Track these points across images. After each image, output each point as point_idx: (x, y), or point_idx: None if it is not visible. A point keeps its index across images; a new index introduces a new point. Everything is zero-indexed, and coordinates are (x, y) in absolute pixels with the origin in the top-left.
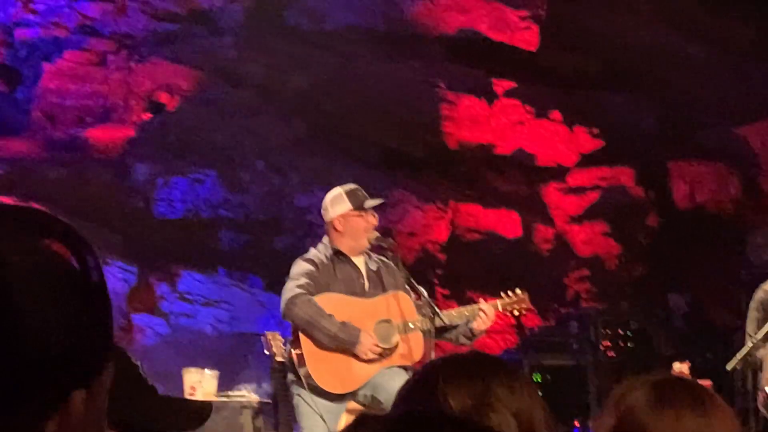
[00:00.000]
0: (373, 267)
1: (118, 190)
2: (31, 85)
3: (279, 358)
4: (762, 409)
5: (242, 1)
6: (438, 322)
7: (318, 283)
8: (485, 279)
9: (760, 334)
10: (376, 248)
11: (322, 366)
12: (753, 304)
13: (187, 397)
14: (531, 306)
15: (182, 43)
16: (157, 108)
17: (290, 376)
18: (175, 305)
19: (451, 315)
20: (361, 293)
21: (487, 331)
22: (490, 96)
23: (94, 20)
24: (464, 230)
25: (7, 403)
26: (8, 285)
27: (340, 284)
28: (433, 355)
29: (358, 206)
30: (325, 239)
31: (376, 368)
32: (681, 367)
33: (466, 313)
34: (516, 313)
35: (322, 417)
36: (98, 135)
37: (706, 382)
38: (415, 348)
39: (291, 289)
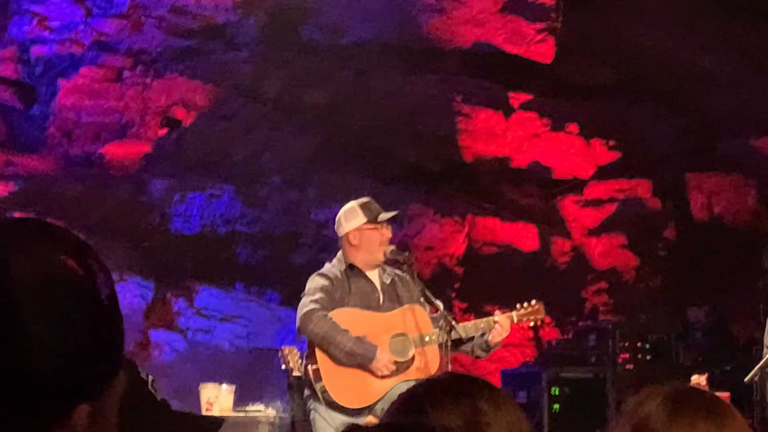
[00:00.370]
0: (387, 280)
1: (134, 205)
2: (47, 102)
3: (296, 373)
4: None
5: (258, 16)
6: (454, 335)
7: (333, 299)
8: (503, 292)
9: None
10: (391, 262)
11: (338, 381)
12: None
13: (204, 412)
14: (546, 317)
15: (198, 58)
16: (173, 124)
17: (307, 391)
18: (192, 321)
19: (467, 327)
20: (377, 307)
21: (505, 344)
22: (507, 109)
23: (110, 36)
24: (481, 244)
25: (8, 416)
26: (15, 297)
27: (355, 299)
28: (449, 368)
29: (373, 219)
30: (340, 254)
31: (392, 382)
32: (698, 379)
33: (482, 326)
34: (532, 324)
35: None
36: (115, 151)
37: (724, 395)
38: (431, 361)
39: (306, 305)
